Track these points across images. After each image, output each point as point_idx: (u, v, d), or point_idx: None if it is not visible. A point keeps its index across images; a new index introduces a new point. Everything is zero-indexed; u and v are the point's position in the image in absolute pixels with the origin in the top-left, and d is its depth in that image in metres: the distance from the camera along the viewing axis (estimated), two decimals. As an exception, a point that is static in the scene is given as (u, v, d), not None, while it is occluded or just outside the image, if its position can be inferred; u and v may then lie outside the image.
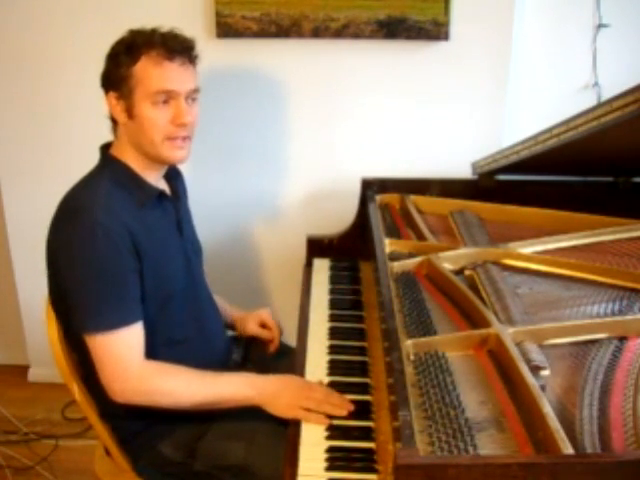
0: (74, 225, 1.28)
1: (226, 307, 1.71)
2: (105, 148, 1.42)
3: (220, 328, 1.61)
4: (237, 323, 1.70)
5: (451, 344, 1.17)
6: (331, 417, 1.23)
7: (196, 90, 1.38)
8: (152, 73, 1.31)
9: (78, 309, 1.29)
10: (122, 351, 1.29)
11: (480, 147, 1.97)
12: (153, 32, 1.34)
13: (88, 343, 1.30)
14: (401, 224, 1.74)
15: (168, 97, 1.33)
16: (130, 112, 1.33)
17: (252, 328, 1.68)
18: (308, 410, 1.24)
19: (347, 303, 1.66)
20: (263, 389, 1.32)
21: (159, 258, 1.36)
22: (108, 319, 1.27)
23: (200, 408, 1.33)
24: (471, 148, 2.02)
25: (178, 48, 1.33)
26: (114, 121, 1.39)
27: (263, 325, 1.69)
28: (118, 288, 1.29)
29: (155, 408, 1.32)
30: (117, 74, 1.33)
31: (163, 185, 1.47)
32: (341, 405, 1.24)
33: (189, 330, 1.47)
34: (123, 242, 1.28)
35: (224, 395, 1.33)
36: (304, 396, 1.26)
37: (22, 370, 2.60)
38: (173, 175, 1.52)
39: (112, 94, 1.35)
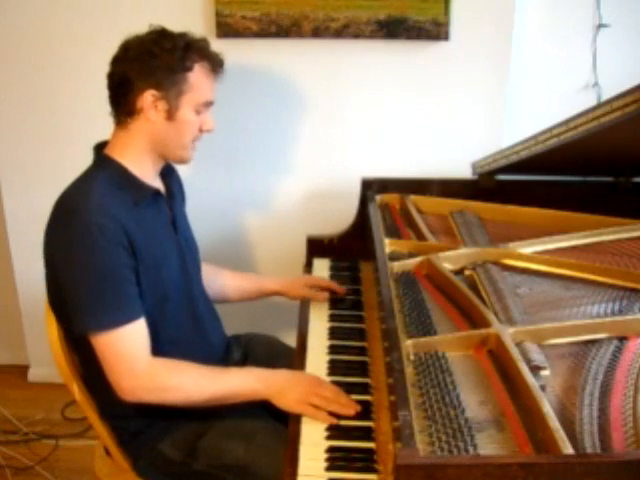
0: (69, 227, 1.28)
1: (256, 278, 1.80)
2: (99, 148, 1.42)
3: (218, 327, 1.61)
4: (282, 292, 1.74)
5: (451, 344, 1.17)
6: (337, 417, 1.23)
7: None
8: (204, 84, 1.39)
9: (79, 309, 1.28)
10: (128, 348, 1.29)
11: (480, 147, 1.97)
12: (204, 42, 1.41)
13: (93, 343, 1.29)
14: (401, 224, 1.73)
15: (206, 107, 1.41)
16: (171, 114, 1.36)
17: (302, 291, 1.71)
18: (316, 407, 1.24)
19: (347, 303, 1.66)
20: (271, 382, 1.32)
21: (155, 256, 1.36)
22: (110, 317, 1.27)
23: (209, 404, 1.33)
24: (471, 148, 2.02)
25: (221, 63, 1.43)
26: (127, 115, 1.36)
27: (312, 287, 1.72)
28: (117, 285, 1.28)
29: (155, 407, 1.32)
30: (168, 76, 1.34)
31: (158, 184, 1.47)
32: (349, 405, 1.24)
33: (187, 330, 1.47)
34: (119, 240, 1.28)
35: (233, 389, 1.33)
36: (313, 393, 1.26)
37: (22, 370, 2.60)
38: (167, 173, 1.51)
39: (152, 92, 1.34)
